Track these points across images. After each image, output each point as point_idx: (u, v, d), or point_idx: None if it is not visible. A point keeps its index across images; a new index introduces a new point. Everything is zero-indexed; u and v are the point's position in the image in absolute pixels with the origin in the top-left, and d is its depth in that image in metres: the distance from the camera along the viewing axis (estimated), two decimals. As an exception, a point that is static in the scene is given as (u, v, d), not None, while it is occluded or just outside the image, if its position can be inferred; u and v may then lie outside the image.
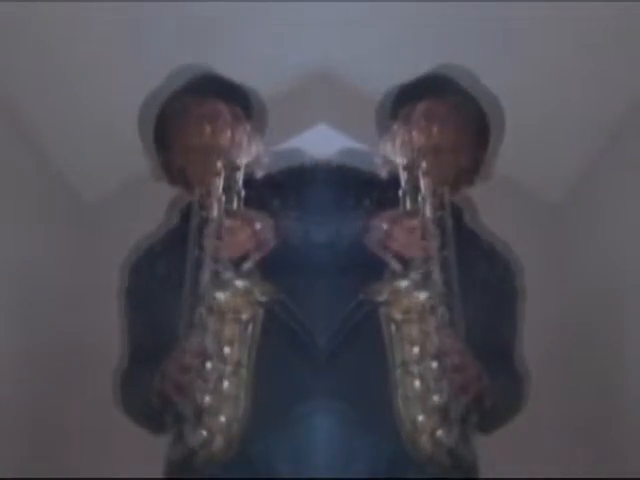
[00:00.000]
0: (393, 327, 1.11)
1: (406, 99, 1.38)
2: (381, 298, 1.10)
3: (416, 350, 1.10)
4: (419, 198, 1.18)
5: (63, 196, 2.31)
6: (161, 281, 1.29)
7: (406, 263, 1.14)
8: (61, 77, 2.00)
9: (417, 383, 1.10)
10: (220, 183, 1.18)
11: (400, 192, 1.20)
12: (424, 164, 1.20)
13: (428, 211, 1.17)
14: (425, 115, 1.34)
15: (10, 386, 1.89)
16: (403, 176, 1.22)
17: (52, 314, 2.16)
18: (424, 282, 1.12)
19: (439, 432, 1.10)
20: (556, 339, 2.19)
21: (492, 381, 1.18)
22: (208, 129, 1.31)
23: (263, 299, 1.09)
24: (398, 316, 1.10)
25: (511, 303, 1.35)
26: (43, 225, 2.15)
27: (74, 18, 1.85)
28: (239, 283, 1.09)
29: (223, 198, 1.17)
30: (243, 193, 1.19)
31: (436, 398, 1.10)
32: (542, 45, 1.97)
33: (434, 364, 1.10)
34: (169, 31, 2.00)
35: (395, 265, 1.14)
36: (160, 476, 1.20)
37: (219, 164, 1.20)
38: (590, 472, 2.01)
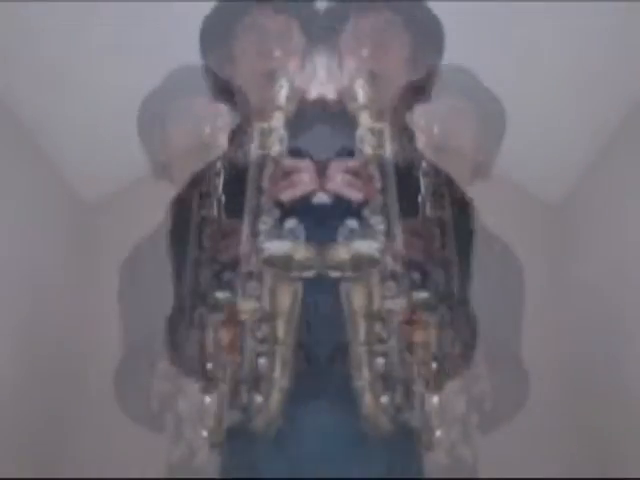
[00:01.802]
0: (356, 298, 1.06)
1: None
2: (337, 267, 1.05)
3: (378, 326, 1.06)
4: (419, 198, 1.18)
5: (63, 196, 2.30)
6: (150, 278, 1.28)
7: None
8: (61, 76, 1.99)
9: (381, 360, 1.06)
10: (220, 183, 1.18)
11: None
12: (424, 164, 1.20)
13: (428, 210, 1.17)
14: (424, 115, 1.34)
15: (10, 386, 1.89)
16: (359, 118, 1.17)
17: (51, 314, 2.16)
18: (375, 235, 1.09)
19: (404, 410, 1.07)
20: (556, 340, 2.18)
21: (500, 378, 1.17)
22: (207, 129, 1.31)
23: (304, 273, 1.05)
24: (359, 283, 1.06)
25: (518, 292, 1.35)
26: (42, 225, 2.14)
27: (74, 18, 1.85)
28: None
29: (223, 198, 1.17)
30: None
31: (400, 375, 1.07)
32: (542, 45, 1.97)
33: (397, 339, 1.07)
34: (169, 31, 1.99)
35: (351, 222, 1.09)
36: (160, 476, 1.20)
37: (219, 165, 1.20)
38: (590, 472, 2.01)
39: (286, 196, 1.10)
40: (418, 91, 1.30)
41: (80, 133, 2.16)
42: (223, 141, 1.26)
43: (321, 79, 1.25)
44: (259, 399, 1.04)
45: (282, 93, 1.17)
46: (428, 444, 1.04)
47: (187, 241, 1.22)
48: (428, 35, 1.29)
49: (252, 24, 1.29)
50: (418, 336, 1.08)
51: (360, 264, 1.04)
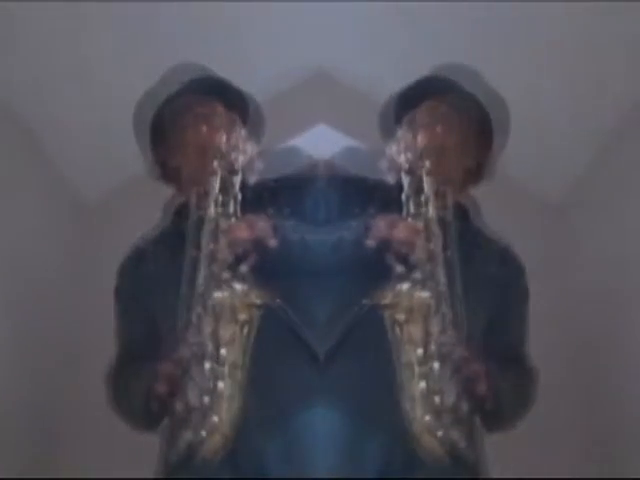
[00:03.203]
0: (398, 329, 1.10)
1: (409, 103, 1.38)
2: (385, 301, 1.10)
3: (420, 351, 1.10)
4: (421, 198, 1.18)
5: (63, 196, 2.30)
6: (150, 281, 1.28)
7: (408, 263, 1.13)
8: (61, 77, 1.99)
9: (422, 384, 1.09)
10: (217, 182, 1.18)
11: (403, 196, 1.20)
12: (427, 164, 1.20)
13: (431, 211, 1.17)
14: (428, 115, 1.34)
15: (8, 386, 1.89)
16: (406, 180, 1.22)
17: (51, 313, 2.16)
18: (426, 282, 1.11)
19: (452, 432, 1.09)
20: (556, 339, 2.18)
21: (503, 381, 1.18)
22: (205, 129, 1.31)
23: (259, 301, 1.08)
24: (401, 317, 1.10)
25: (522, 301, 1.36)
26: (43, 225, 2.14)
27: (74, 18, 1.85)
28: (237, 286, 1.08)
29: (220, 198, 1.17)
30: (240, 197, 1.19)
31: (444, 398, 1.09)
32: (542, 45, 1.97)
33: (437, 365, 1.10)
34: (169, 31, 2.00)
35: (398, 267, 1.13)
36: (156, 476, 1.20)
37: (215, 164, 1.20)
38: (590, 472, 2.01)
39: (242, 234, 1.13)
40: (477, 170, 1.37)
41: (80, 133, 2.16)
42: (219, 141, 1.26)
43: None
44: (215, 419, 1.07)
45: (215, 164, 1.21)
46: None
47: (134, 297, 1.30)
48: (491, 120, 1.34)
49: (192, 111, 1.35)
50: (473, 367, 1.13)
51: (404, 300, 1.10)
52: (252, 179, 1.31)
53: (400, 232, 1.14)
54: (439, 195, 1.21)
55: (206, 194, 1.19)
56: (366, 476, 1.10)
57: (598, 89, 2.01)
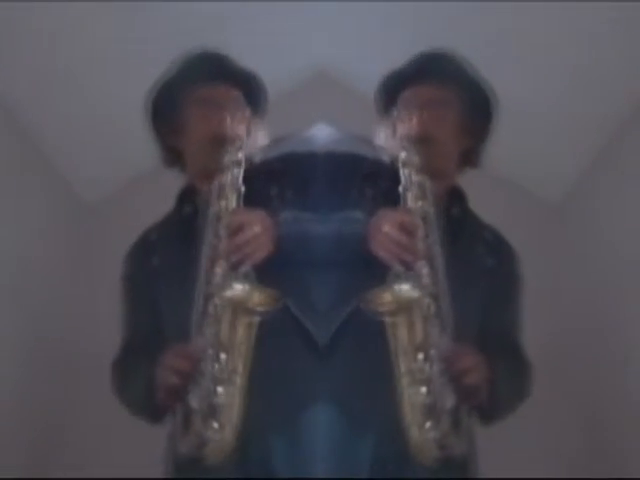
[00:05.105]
0: (397, 332, 1.07)
1: (399, 87, 1.37)
2: (383, 308, 1.06)
3: (420, 356, 1.08)
4: (399, 189, 1.17)
5: (63, 196, 2.30)
6: (154, 271, 1.27)
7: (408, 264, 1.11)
8: (61, 77, 1.99)
9: (423, 388, 1.07)
10: (229, 178, 1.17)
11: (400, 188, 1.18)
12: (403, 154, 1.19)
13: (410, 202, 1.16)
14: (416, 101, 1.32)
15: (9, 385, 1.89)
16: (403, 172, 1.20)
17: (51, 313, 2.16)
18: (422, 281, 1.10)
19: (449, 435, 1.08)
20: (555, 339, 2.18)
21: (498, 371, 1.17)
22: (217, 116, 1.27)
23: (260, 309, 1.05)
24: (402, 320, 1.07)
25: (516, 287, 1.34)
26: (43, 225, 2.15)
27: (74, 18, 1.85)
28: (239, 287, 1.05)
29: (232, 194, 1.16)
30: (243, 189, 1.18)
31: (443, 401, 1.08)
32: (542, 45, 1.97)
33: (436, 368, 1.08)
34: (170, 32, 2.00)
35: (394, 265, 1.10)
36: (159, 476, 1.20)
37: (227, 158, 1.19)
38: (590, 472, 2.01)
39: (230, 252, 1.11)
40: (468, 155, 1.36)
41: (80, 134, 2.16)
42: (236, 131, 1.23)
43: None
44: (215, 425, 1.06)
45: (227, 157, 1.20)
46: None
47: (142, 285, 1.28)
48: (480, 106, 1.33)
49: (196, 95, 1.33)
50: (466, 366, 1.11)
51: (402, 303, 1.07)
52: (257, 157, 1.30)
53: (398, 235, 1.12)
54: (426, 188, 1.20)
55: (219, 188, 1.17)
56: (359, 476, 1.10)
57: (598, 89, 2.01)
